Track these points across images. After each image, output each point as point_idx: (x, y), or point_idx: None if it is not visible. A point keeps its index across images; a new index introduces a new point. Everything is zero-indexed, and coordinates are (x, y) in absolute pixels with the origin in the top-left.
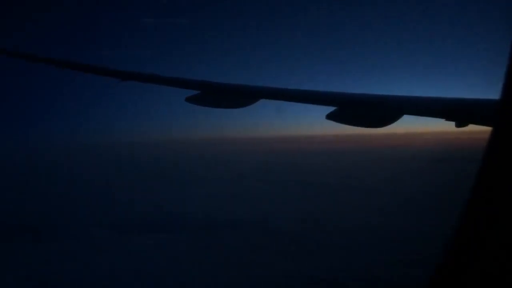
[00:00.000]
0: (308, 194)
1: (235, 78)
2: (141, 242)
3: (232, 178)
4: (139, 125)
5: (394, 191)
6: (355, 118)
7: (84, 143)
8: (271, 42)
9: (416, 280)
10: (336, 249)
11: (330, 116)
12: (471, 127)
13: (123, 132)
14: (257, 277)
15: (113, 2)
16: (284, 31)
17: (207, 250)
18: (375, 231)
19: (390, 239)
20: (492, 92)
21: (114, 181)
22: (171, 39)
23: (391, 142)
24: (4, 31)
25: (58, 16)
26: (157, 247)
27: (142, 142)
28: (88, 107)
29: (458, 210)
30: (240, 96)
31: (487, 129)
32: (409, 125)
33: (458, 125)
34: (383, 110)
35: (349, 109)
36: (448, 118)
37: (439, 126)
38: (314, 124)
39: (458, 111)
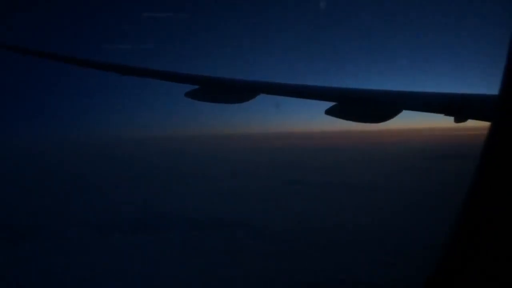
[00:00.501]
0: (305, 193)
1: (234, 73)
2: (123, 241)
3: (227, 175)
4: (138, 120)
5: (392, 188)
6: (354, 113)
7: (79, 139)
8: (270, 37)
9: (415, 280)
10: (335, 249)
11: (329, 112)
12: (470, 122)
13: (121, 127)
14: (244, 278)
15: None
16: (284, 26)
17: (195, 250)
18: (375, 231)
19: (388, 238)
20: (491, 87)
21: (108, 179)
22: (170, 33)
23: (390, 138)
24: (2, 25)
25: (57, 10)
26: (140, 247)
27: (140, 137)
28: (85, 102)
29: (456, 207)
30: (239, 91)
31: (486, 124)
32: (408, 120)
33: (457, 120)
34: (382, 105)
35: (348, 104)
36: (447, 113)
37: (438, 121)
38: (313, 119)
39: (457, 106)
